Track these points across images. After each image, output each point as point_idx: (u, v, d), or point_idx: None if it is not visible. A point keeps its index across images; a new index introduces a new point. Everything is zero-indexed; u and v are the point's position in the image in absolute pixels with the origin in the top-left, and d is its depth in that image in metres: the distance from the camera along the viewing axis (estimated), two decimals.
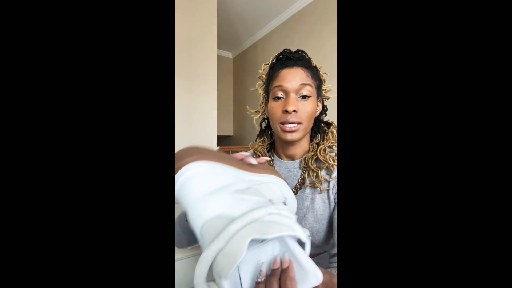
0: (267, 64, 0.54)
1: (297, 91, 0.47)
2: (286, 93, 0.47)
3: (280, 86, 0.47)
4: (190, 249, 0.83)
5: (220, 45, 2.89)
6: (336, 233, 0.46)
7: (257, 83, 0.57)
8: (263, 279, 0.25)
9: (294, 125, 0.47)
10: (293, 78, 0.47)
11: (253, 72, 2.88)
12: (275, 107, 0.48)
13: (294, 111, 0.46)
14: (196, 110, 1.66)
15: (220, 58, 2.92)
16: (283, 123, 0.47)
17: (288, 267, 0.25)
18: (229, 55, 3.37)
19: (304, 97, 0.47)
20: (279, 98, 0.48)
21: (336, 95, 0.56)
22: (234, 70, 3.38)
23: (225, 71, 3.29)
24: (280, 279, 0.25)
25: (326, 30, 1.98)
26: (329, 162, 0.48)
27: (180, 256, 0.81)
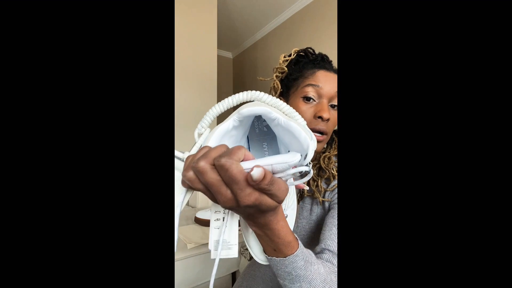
0: (286, 57, 0.50)
1: (330, 98, 0.44)
2: (320, 96, 0.44)
3: (317, 86, 0.43)
4: (190, 249, 0.83)
5: (220, 45, 2.89)
6: (326, 231, 0.43)
7: (275, 75, 0.52)
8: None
9: (320, 134, 0.44)
10: (330, 83, 0.44)
11: (253, 72, 2.88)
12: (305, 110, 0.44)
13: (328, 119, 0.43)
14: (196, 110, 1.66)
15: (220, 58, 2.92)
16: (312, 130, 0.43)
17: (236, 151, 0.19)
18: (229, 55, 3.37)
19: (333, 106, 0.45)
20: (309, 99, 0.44)
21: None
22: (234, 70, 3.38)
23: (225, 71, 3.29)
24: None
25: (326, 30, 1.98)
26: (331, 171, 0.46)
27: (180, 256, 0.81)
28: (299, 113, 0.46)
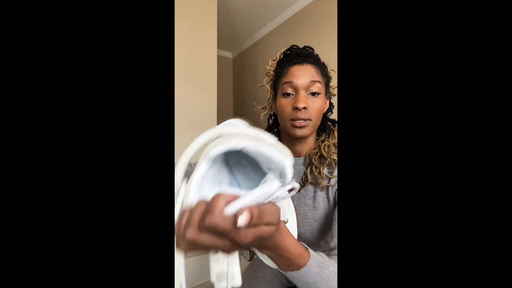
0: (274, 60, 0.53)
1: (307, 88, 0.47)
2: (296, 89, 0.47)
3: (290, 82, 0.47)
4: None
5: (220, 45, 2.88)
6: (336, 227, 0.45)
7: (265, 79, 0.56)
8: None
9: (303, 121, 0.47)
10: (303, 75, 0.47)
11: (253, 72, 2.88)
12: (285, 104, 0.48)
13: (304, 108, 0.46)
14: (196, 110, 1.66)
15: (220, 58, 2.92)
16: (293, 120, 0.47)
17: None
18: (229, 55, 3.37)
19: (313, 94, 0.47)
20: (288, 94, 0.48)
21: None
22: (234, 70, 3.38)
23: (225, 71, 3.29)
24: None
25: (326, 30, 1.98)
26: (332, 157, 0.49)
27: None
28: (282, 108, 0.48)
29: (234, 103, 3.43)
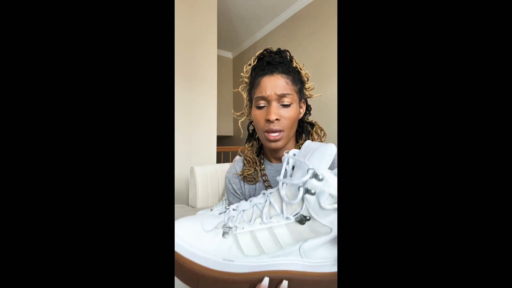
0: (250, 65, 0.54)
1: (278, 100, 0.48)
2: (268, 101, 0.48)
3: (262, 96, 0.48)
4: None
5: (220, 45, 2.89)
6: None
7: (240, 86, 0.57)
8: None
9: (276, 134, 0.48)
10: (273, 87, 0.47)
11: None
12: (258, 115, 0.50)
13: (277, 119, 0.47)
14: (196, 110, 1.66)
15: (220, 58, 2.92)
16: (267, 132, 0.49)
17: None
18: (229, 55, 3.37)
19: (285, 105, 0.48)
20: (261, 107, 0.49)
21: (320, 95, 0.57)
22: (234, 70, 3.38)
23: (225, 71, 3.29)
24: None
25: (326, 30, 1.98)
26: None
27: None
28: (256, 119, 0.51)
29: (234, 103, 3.43)
